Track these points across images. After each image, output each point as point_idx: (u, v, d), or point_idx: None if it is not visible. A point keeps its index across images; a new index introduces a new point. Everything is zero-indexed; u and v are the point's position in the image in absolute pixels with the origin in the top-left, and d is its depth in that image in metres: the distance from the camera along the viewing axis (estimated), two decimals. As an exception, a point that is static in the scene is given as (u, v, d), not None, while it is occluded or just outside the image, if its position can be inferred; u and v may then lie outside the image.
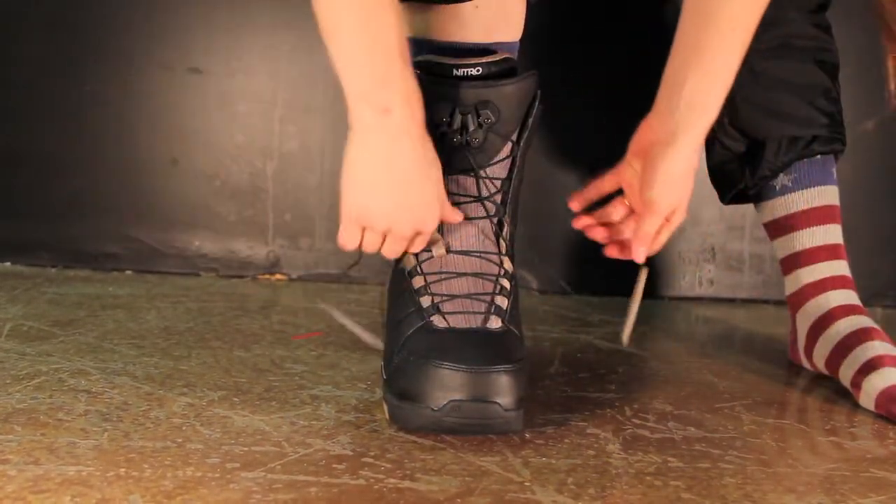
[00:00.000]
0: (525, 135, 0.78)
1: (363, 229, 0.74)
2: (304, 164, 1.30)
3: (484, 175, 0.77)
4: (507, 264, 0.77)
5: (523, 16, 0.81)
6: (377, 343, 0.93)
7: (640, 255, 0.81)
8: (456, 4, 0.77)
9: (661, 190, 0.79)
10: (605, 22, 1.27)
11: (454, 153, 0.76)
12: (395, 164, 0.71)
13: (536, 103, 0.78)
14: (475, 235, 0.77)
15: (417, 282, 0.75)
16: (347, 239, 0.75)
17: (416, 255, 0.77)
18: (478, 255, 0.76)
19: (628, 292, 1.32)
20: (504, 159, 0.78)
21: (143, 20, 1.27)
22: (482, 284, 0.75)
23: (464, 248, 0.77)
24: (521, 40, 0.81)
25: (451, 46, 0.78)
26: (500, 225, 0.78)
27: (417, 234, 0.74)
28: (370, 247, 0.75)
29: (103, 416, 0.71)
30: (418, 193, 0.72)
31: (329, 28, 0.69)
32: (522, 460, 0.67)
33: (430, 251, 0.77)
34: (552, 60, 1.21)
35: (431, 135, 0.74)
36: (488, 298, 0.74)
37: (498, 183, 0.78)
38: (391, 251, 0.76)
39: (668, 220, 0.82)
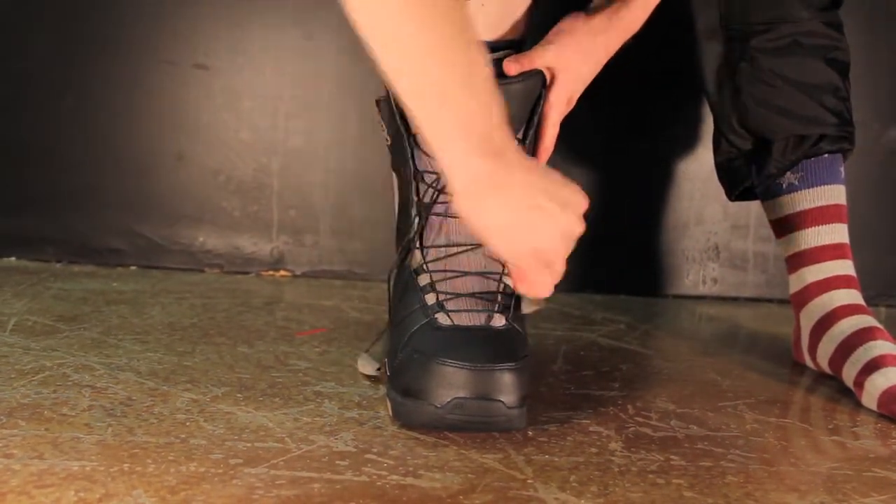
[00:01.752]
0: (530, 132, 0.78)
1: (548, 267, 0.69)
2: (309, 160, 1.30)
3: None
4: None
5: (529, 14, 0.81)
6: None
7: None
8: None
9: None
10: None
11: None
12: (522, 198, 0.65)
13: (541, 101, 0.78)
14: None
15: (423, 279, 0.75)
16: (541, 286, 0.71)
17: (423, 253, 0.77)
18: (482, 253, 0.76)
19: (632, 290, 1.33)
20: (509, 157, 0.77)
21: (149, 16, 1.28)
22: (486, 283, 0.75)
23: (468, 247, 0.77)
24: (527, 38, 0.81)
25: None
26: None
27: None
28: (559, 277, 0.70)
29: (107, 412, 0.71)
30: (553, 204, 0.66)
31: (423, 87, 0.63)
32: (525, 458, 0.67)
33: None
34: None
35: None
36: (492, 297, 0.74)
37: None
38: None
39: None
